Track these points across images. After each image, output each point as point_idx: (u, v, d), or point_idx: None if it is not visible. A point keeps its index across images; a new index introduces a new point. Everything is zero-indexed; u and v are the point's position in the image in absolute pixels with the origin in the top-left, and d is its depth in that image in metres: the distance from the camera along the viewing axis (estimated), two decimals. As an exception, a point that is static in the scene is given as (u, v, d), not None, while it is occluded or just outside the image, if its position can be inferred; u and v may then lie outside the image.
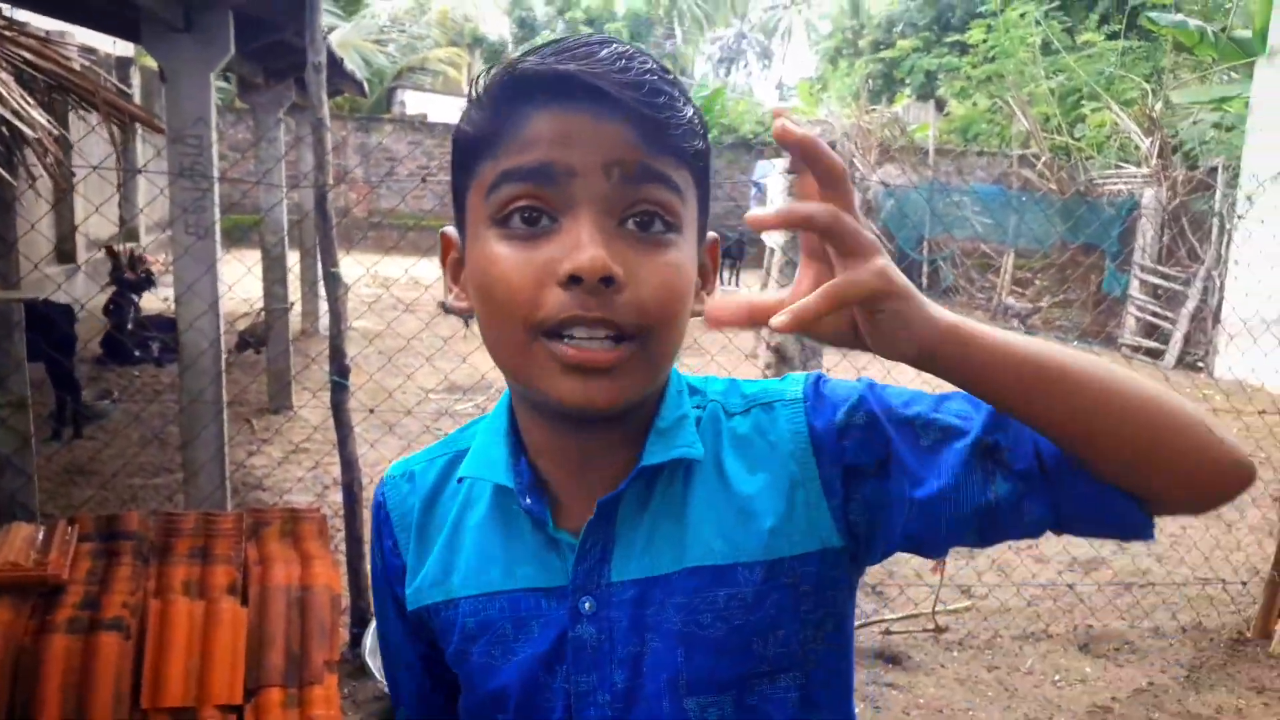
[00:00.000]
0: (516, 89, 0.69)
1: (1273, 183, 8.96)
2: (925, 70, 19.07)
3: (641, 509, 0.76)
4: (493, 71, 0.72)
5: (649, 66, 0.70)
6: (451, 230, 0.78)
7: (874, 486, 0.76)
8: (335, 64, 5.75)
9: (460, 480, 0.81)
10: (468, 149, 0.72)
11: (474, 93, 0.72)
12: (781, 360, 3.44)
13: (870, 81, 19.36)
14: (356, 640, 3.13)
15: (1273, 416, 5.38)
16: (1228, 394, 8.06)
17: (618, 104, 0.67)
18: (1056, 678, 3.45)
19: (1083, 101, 13.40)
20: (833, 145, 3.35)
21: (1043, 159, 12.60)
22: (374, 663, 2.89)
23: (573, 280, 0.66)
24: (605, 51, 0.69)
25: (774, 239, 0.70)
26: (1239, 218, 9.09)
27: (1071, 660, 3.59)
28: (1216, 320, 9.86)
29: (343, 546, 3.30)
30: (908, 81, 19.41)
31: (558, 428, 0.76)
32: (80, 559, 2.56)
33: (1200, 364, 10.06)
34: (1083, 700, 3.30)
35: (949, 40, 18.93)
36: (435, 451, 0.86)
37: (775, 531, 0.75)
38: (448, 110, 17.59)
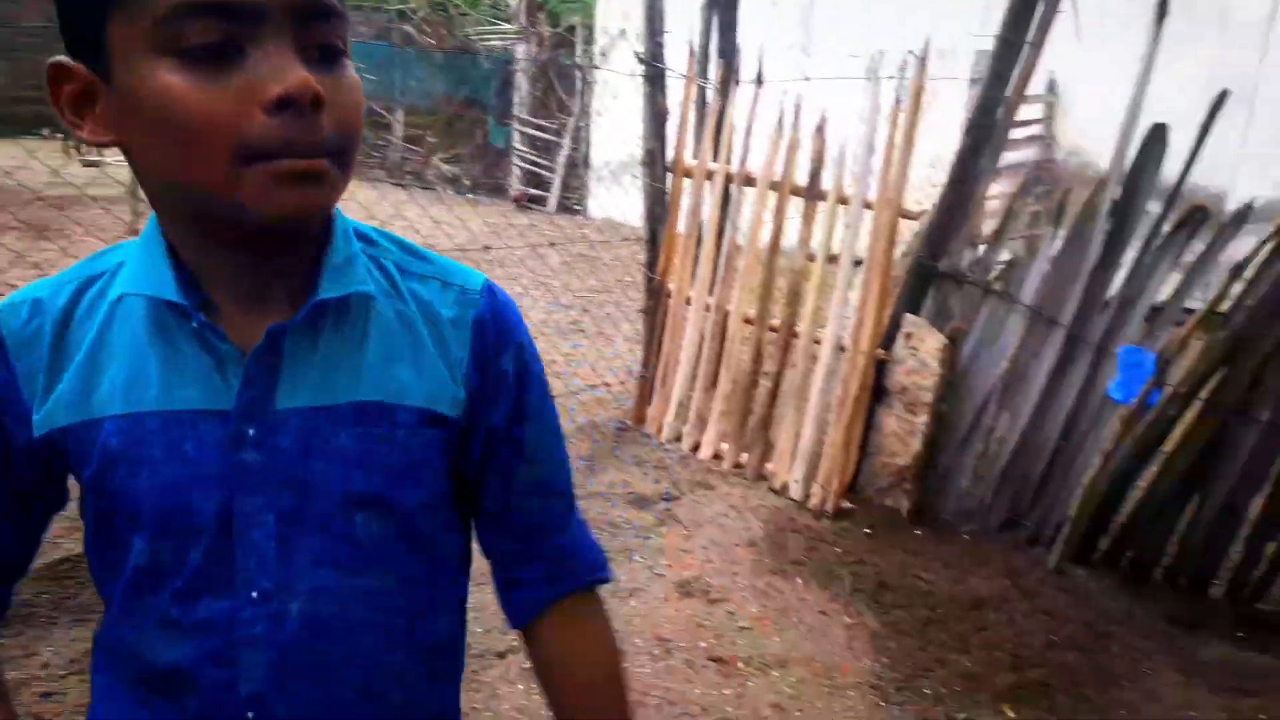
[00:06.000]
0: None
1: (621, 38, 9.99)
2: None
3: (314, 341, 0.77)
4: None
5: None
6: (67, 60, 0.70)
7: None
8: None
9: (120, 298, 0.77)
10: None
11: None
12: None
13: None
14: None
15: (635, 245, 6.03)
16: (600, 230, 9.03)
17: None
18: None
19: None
20: None
21: (420, 14, 12.62)
22: None
23: (282, 105, 0.66)
24: None
25: None
26: (595, 68, 10.01)
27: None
28: (587, 166, 10.92)
29: None
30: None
31: (239, 251, 0.75)
32: None
33: (577, 207, 11.13)
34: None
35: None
36: (62, 279, 0.80)
37: (433, 387, 0.81)
38: None
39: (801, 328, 3.74)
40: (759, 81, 3.84)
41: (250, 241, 0.74)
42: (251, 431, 0.76)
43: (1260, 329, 2.95)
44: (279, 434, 0.76)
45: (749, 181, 3.88)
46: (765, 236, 3.86)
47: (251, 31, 0.66)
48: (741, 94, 3.99)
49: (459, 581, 0.91)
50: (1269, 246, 2.96)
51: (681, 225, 4.20)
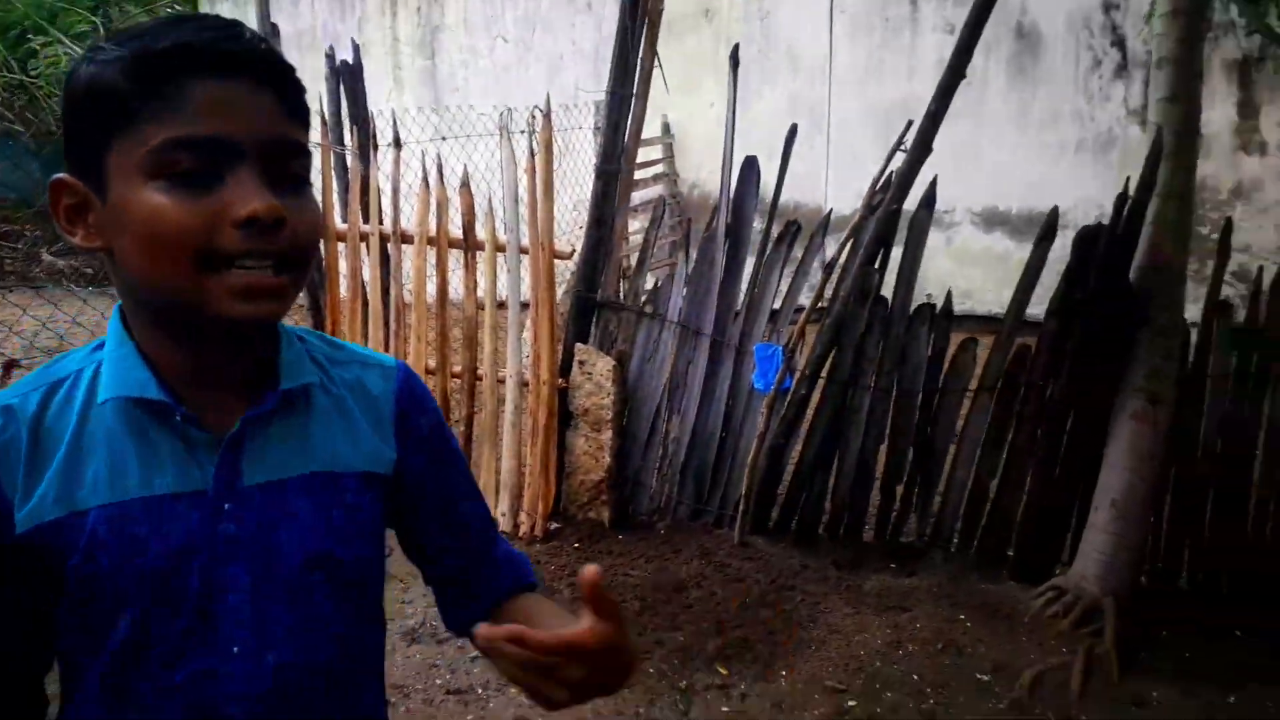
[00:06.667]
0: (177, 58, 0.80)
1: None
2: None
3: (269, 425, 0.90)
4: (139, 37, 0.81)
5: (275, 47, 0.90)
6: (68, 177, 0.84)
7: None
8: None
9: (103, 403, 0.86)
10: (112, 105, 0.80)
11: (112, 54, 0.80)
12: None
13: None
14: None
15: (297, 315, 5.91)
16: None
17: (268, 78, 0.83)
18: None
19: (29, 37, 12.36)
20: None
21: None
22: None
23: (248, 223, 0.80)
24: (243, 29, 0.83)
25: None
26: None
27: None
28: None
29: None
30: None
31: (201, 350, 0.88)
32: None
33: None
34: None
35: None
36: (26, 386, 0.89)
37: (368, 453, 0.96)
38: None
39: (484, 370, 3.95)
40: (397, 144, 4.00)
41: (210, 341, 0.87)
42: (228, 507, 0.87)
43: (854, 314, 3.59)
44: (248, 508, 0.88)
45: (407, 239, 4.02)
46: (433, 290, 4.03)
47: (228, 162, 0.80)
48: (383, 157, 4.13)
49: (382, 629, 1.03)
50: (848, 248, 3.61)
51: (344, 289, 4.25)
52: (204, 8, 10.12)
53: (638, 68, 3.76)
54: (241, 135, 0.80)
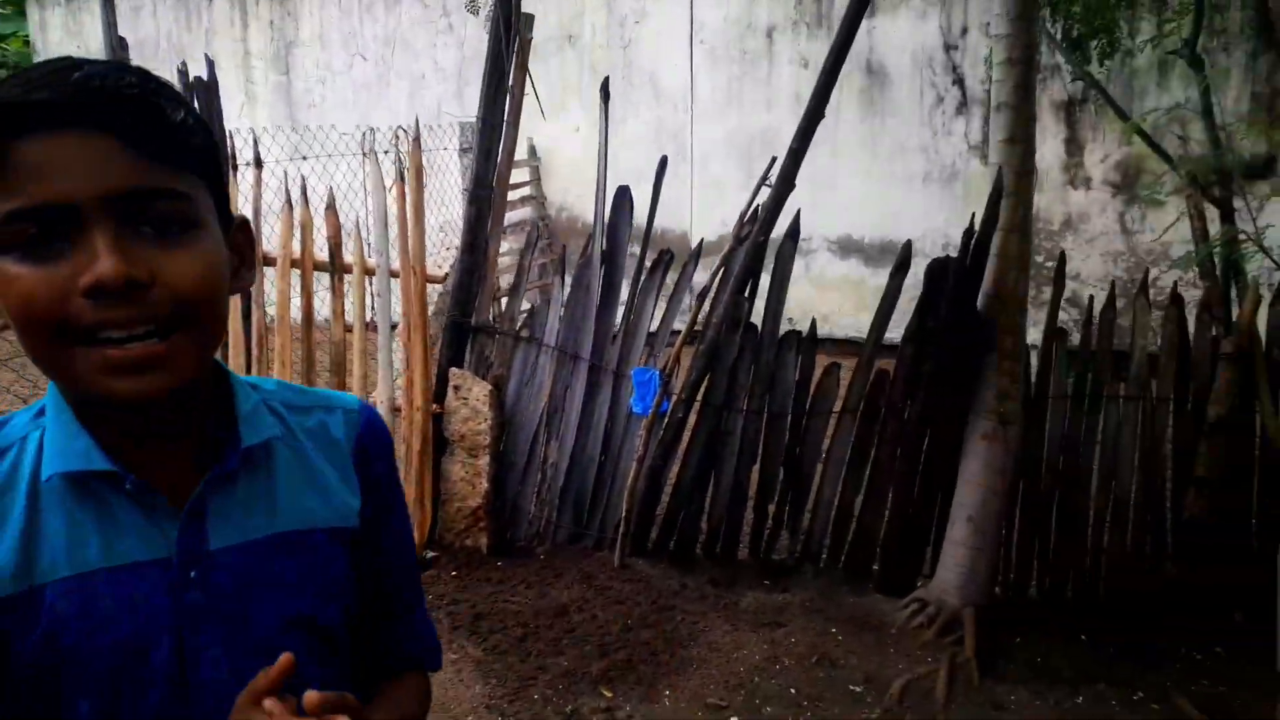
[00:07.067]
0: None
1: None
2: None
3: (233, 484, 0.86)
4: None
5: (128, 80, 0.73)
6: None
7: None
8: None
9: (48, 479, 0.81)
10: None
11: None
12: None
13: None
14: None
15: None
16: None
17: (106, 121, 0.72)
18: None
19: None
20: None
21: None
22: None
23: (94, 292, 0.71)
24: (78, 75, 0.72)
25: None
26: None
27: None
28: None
29: None
30: None
31: (126, 420, 0.81)
32: None
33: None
34: None
35: None
36: None
37: (337, 505, 0.92)
38: None
39: (353, 398, 3.84)
40: (258, 163, 3.88)
41: (119, 413, 0.80)
42: (194, 574, 0.82)
43: (726, 341, 3.70)
44: (217, 572, 0.83)
45: (269, 261, 3.89)
46: (298, 314, 3.90)
47: (70, 224, 0.72)
48: (241, 176, 3.99)
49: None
50: (719, 277, 3.72)
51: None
52: (33, 17, 9.51)
53: (508, 94, 3.77)
54: (78, 195, 0.71)
